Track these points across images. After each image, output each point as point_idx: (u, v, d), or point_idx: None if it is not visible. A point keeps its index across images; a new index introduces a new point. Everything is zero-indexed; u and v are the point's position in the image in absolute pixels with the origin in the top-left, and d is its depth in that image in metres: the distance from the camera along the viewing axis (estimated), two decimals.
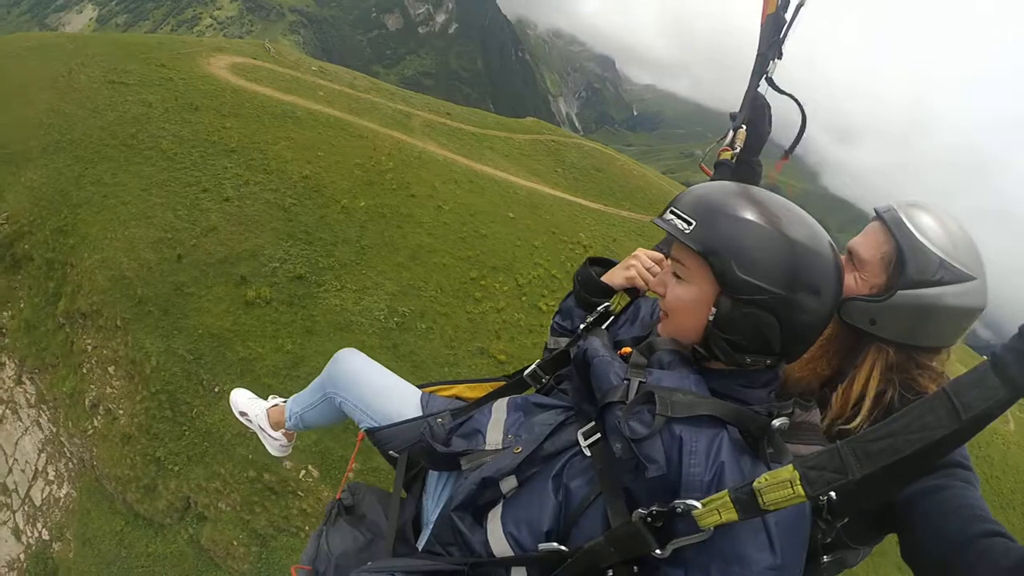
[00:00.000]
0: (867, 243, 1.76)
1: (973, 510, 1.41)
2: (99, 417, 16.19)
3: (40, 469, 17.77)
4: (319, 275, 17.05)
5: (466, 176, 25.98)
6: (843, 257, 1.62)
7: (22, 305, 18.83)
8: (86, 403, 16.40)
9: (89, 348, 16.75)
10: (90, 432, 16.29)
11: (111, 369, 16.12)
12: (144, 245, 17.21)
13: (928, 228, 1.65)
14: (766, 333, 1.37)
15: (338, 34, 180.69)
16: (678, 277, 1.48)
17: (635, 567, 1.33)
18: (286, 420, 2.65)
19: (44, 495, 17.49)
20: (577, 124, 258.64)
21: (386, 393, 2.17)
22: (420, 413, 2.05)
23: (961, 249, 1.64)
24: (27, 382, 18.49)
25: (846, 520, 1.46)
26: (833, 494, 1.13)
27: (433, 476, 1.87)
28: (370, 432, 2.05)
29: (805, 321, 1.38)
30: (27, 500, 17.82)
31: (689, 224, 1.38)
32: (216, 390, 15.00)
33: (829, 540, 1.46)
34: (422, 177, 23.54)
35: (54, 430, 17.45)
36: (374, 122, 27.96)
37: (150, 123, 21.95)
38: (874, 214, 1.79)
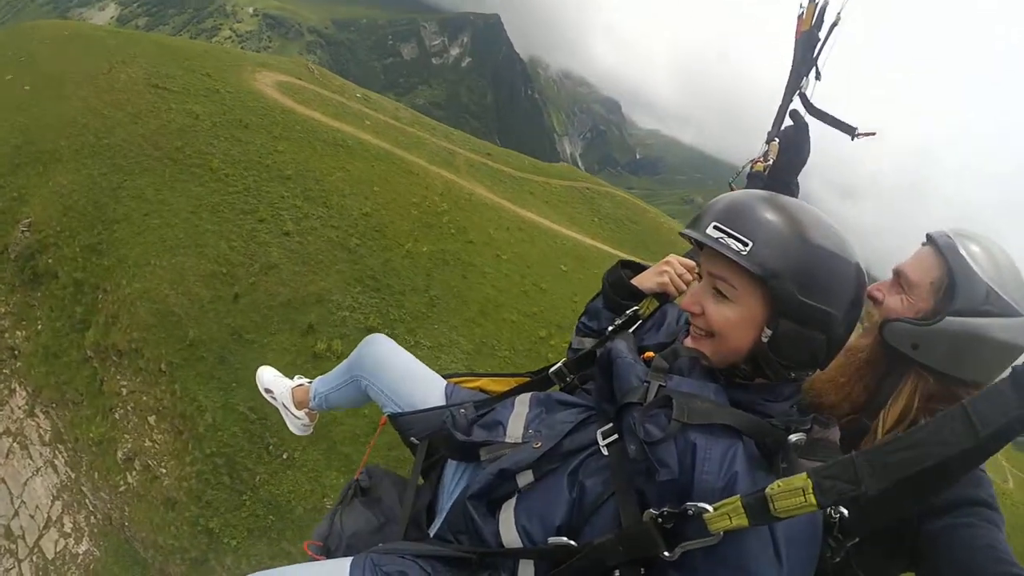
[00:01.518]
0: (918, 267, 1.71)
1: (997, 552, 1.38)
2: (134, 473, 14.00)
3: (53, 518, 15.43)
4: (391, 327, 15.22)
5: (515, 222, 24.93)
6: (888, 280, 1.73)
7: (40, 327, 16.81)
8: (118, 455, 14.24)
9: (124, 391, 14.66)
10: (122, 488, 14.08)
11: (152, 419, 14.03)
12: (195, 278, 15.32)
13: (980, 257, 1.61)
14: (816, 350, 1.38)
15: (354, 57, 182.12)
16: (721, 295, 1.42)
17: (642, 569, 1.32)
18: (310, 400, 2.69)
19: (58, 548, 15.12)
20: (580, 164, 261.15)
21: (412, 380, 2.20)
22: (444, 402, 2.08)
23: (1010, 283, 1.60)
24: (41, 415, 16.30)
25: (856, 540, 1.37)
26: (846, 511, 1.25)
27: (451, 466, 1.84)
28: (393, 417, 2.07)
29: (844, 333, 1.40)
30: (36, 550, 15.44)
31: (745, 245, 1.33)
32: (284, 456, 12.98)
33: (838, 560, 1.37)
34: (475, 222, 22.31)
35: (73, 476, 15.18)
36: (422, 158, 26.90)
37: (197, 137, 20.32)
38: (925, 239, 1.74)
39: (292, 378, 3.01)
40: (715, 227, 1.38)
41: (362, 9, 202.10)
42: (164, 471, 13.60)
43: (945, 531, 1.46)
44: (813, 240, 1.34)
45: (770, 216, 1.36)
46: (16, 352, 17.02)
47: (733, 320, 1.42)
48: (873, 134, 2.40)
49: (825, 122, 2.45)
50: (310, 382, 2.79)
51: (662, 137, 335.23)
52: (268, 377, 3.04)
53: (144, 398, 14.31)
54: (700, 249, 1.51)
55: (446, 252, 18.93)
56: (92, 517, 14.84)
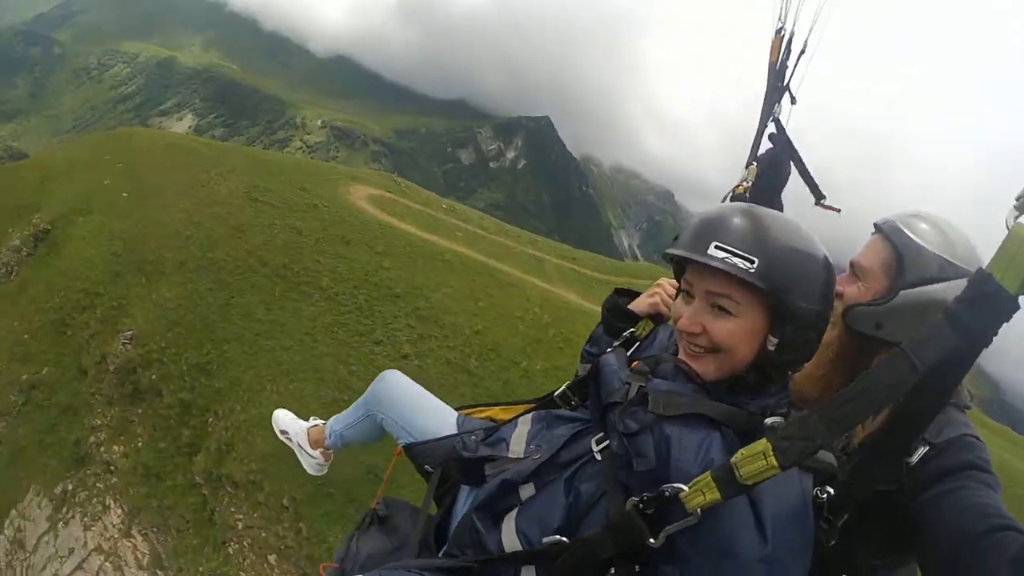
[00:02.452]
0: (867, 253, 1.83)
1: (987, 507, 1.40)
2: None
3: None
4: None
5: None
6: (844, 275, 1.83)
7: (140, 444, 16.41)
8: None
9: (240, 525, 13.74)
10: None
11: (272, 559, 12.97)
12: (317, 405, 14.47)
13: (925, 232, 1.73)
14: (812, 348, 1.47)
15: (415, 165, 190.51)
16: (722, 311, 1.45)
17: (636, 567, 1.35)
18: (326, 438, 2.81)
19: None
20: (639, 255, 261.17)
21: (425, 411, 2.30)
22: (456, 431, 2.16)
23: (960, 249, 1.70)
24: (138, 537, 15.46)
25: (846, 517, 1.41)
26: (832, 490, 1.35)
27: (463, 492, 1.91)
28: (408, 448, 2.20)
29: (826, 327, 1.47)
30: None
31: (752, 263, 1.38)
32: None
33: (835, 543, 1.41)
34: (578, 331, 21.34)
35: None
36: (515, 267, 26.75)
37: (302, 254, 20.38)
38: (873, 228, 1.86)
39: (307, 419, 3.12)
40: (717, 247, 1.40)
41: (421, 119, 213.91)
42: None
43: (936, 498, 1.48)
44: (802, 249, 1.42)
45: (766, 231, 1.41)
46: (112, 467, 16.51)
47: (739, 334, 1.44)
48: (838, 211, 2.46)
49: (797, 168, 2.51)
50: (324, 422, 2.90)
51: None
52: (284, 419, 3.14)
53: (263, 535, 13.32)
54: (681, 268, 1.57)
55: (558, 368, 17.93)
56: None
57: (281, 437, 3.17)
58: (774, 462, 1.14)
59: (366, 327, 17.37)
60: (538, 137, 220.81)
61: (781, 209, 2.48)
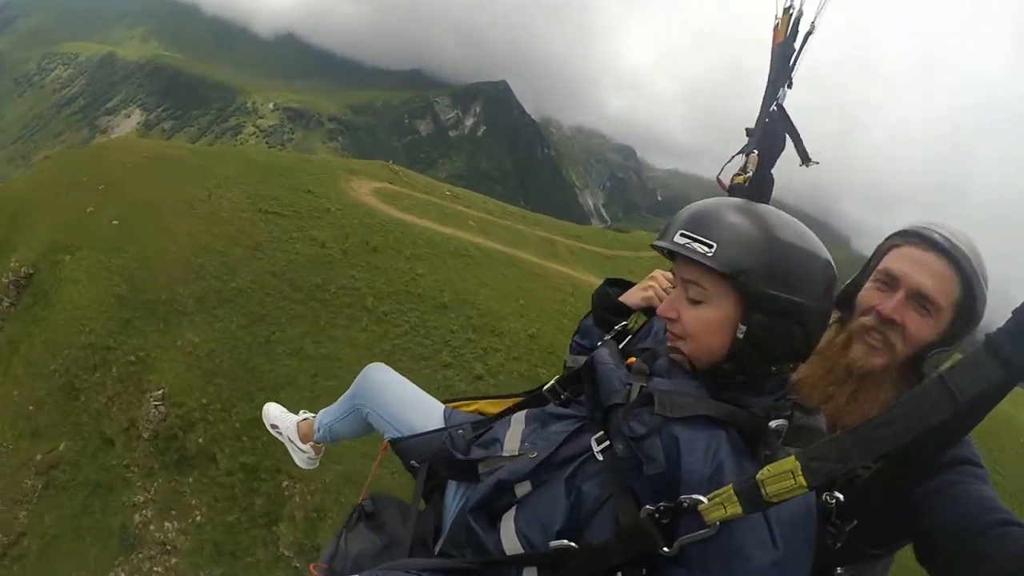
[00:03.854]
0: (940, 287, 1.61)
1: (985, 502, 1.40)
2: None
3: None
4: None
5: None
6: (896, 295, 1.64)
7: (199, 518, 14.44)
8: None
9: None
10: None
11: None
12: None
13: (979, 263, 1.61)
14: (794, 342, 1.41)
15: (374, 140, 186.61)
16: (694, 300, 1.46)
17: (644, 570, 1.33)
18: (315, 432, 2.74)
19: None
20: (605, 215, 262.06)
21: (411, 405, 2.25)
22: (442, 425, 2.10)
23: (986, 274, 1.63)
24: None
25: (855, 523, 1.42)
26: (841, 496, 1.33)
27: (451, 487, 1.85)
28: (394, 442, 2.12)
29: (820, 324, 1.44)
30: None
31: (710, 247, 1.37)
32: None
33: (839, 545, 1.42)
34: None
35: None
36: (532, 254, 25.62)
37: (333, 269, 18.46)
38: (925, 240, 1.64)
39: (297, 413, 3.03)
40: (681, 234, 1.42)
41: (376, 93, 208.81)
42: None
43: (934, 493, 1.45)
44: (777, 236, 1.38)
45: (733, 218, 1.41)
46: (169, 547, 14.46)
47: (707, 321, 1.43)
48: (816, 163, 2.28)
49: (791, 138, 2.24)
50: (314, 416, 2.80)
51: (681, 175, 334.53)
52: (274, 412, 3.07)
53: None
54: (673, 259, 1.54)
55: None
56: None
57: (272, 432, 3.07)
58: (803, 482, 1.11)
59: (428, 349, 15.74)
60: (496, 103, 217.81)
61: (772, 181, 2.39)
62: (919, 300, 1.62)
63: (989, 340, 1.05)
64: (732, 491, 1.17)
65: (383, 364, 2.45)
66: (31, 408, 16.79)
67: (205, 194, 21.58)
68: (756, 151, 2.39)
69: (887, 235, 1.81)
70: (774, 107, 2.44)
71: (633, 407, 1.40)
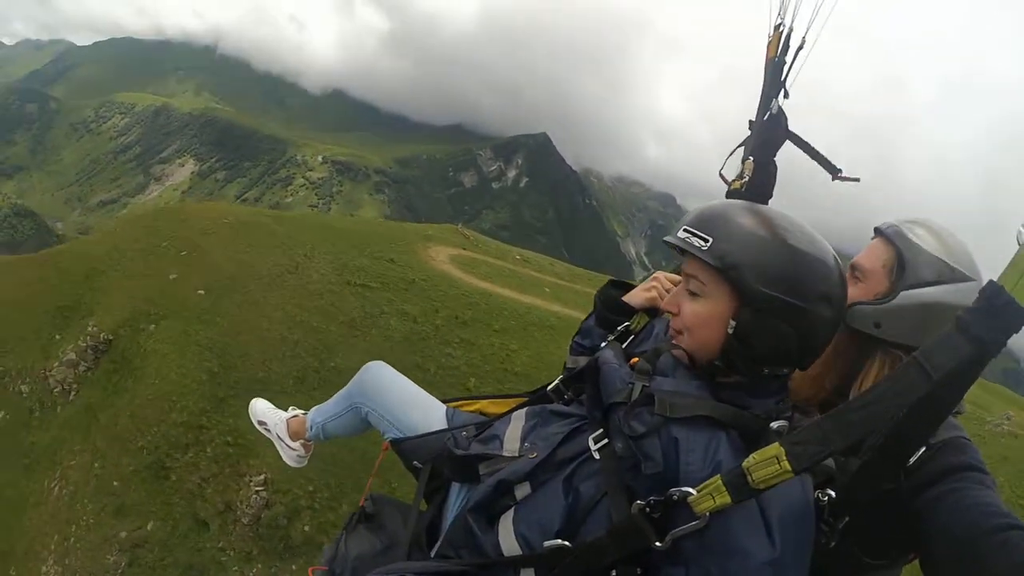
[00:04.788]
0: (869, 255, 1.82)
1: (987, 507, 1.37)
2: None
3: None
4: None
5: None
6: (847, 273, 1.72)
7: None
8: None
9: None
10: None
11: None
12: None
13: (925, 237, 1.72)
14: (785, 344, 1.39)
15: (419, 192, 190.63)
16: (693, 294, 1.48)
17: (639, 569, 1.33)
18: (307, 430, 2.70)
19: None
20: (647, 262, 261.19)
21: (412, 404, 2.22)
22: (445, 426, 2.09)
23: (958, 254, 1.69)
24: None
25: (847, 520, 1.42)
26: (833, 492, 1.34)
27: (455, 489, 1.84)
28: (395, 443, 2.09)
29: (818, 330, 1.40)
30: None
31: (706, 241, 1.39)
32: None
33: (835, 544, 1.41)
34: None
35: None
36: None
37: (429, 346, 17.95)
38: (874, 232, 1.85)
39: (287, 410, 2.96)
40: (685, 230, 1.45)
41: (420, 147, 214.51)
42: None
43: (938, 498, 1.45)
44: (778, 236, 1.37)
45: (736, 216, 1.42)
46: None
47: (702, 315, 1.44)
48: (857, 180, 2.43)
49: (809, 155, 2.45)
50: (305, 413, 2.78)
51: None
52: (261, 408, 3.00)
53: None
54: (682, 255, 1.53)
55: None
56: None
57: (259, 428, 3.01)
58: (787, 466, 1.13)
59: None
60: (537, 154, 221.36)
61: (775, 169, 2.51)
62: (852, 271, 1.81)
63: (959, 320, 1.07)
64: (720, 481, 1.19)
65: (383, 362, 2.43)
66: (116, 483, 16.10)
67: (292, 265, 21.21)
68: (752, 158, 2.59)
69: None
70: (768, 113, 2.62)
71: (634, 407, 1.40)
